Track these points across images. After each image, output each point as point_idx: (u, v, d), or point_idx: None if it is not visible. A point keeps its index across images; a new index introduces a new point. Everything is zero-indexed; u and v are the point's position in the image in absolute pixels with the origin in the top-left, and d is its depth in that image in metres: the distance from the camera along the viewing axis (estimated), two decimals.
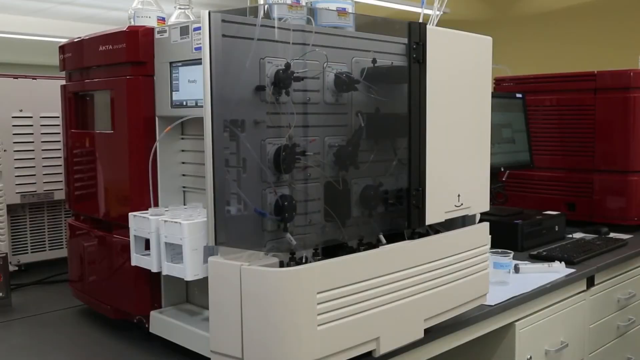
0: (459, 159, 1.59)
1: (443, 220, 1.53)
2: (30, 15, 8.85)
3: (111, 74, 1.56)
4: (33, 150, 2.14)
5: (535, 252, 2.31)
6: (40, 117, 2.15)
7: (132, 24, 1.68)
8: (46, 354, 1.51)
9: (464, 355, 1.90)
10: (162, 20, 1.72)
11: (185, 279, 1.36)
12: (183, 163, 1.56)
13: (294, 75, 1.28)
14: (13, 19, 8.70)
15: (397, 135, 1.54)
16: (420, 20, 1.54)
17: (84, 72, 1.69)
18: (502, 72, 3.18)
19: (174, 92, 1.47)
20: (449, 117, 1.54)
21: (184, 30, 1.42)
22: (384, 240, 1.48)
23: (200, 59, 1.36)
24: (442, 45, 1.49)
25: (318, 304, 1.24)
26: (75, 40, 1.69)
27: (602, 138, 2.78)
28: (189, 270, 1.34)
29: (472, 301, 1.62)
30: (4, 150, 2.08)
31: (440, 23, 1.60)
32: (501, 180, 2.69)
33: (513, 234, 2.37)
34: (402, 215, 1.49)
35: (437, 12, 1.62)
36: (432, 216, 1.48)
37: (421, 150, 1.46)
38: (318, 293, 1.24)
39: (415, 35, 1.44)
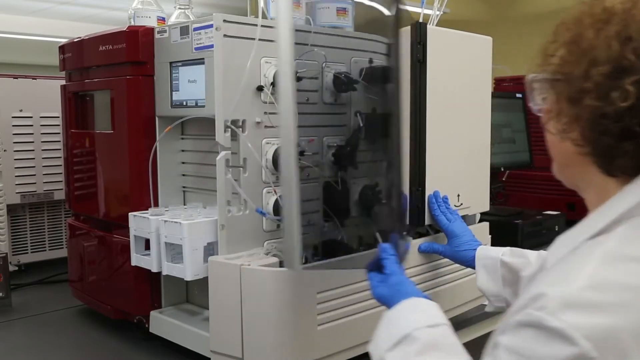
0: (459, 159, 1.59)
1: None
2: (30, 15, 8.84)
3: (111, 74, 1.56)
4: (33, 150, 2.14)
5: None
6: (40, 117, 2.15)
7: (132, 24, 1.68)
8: (46, 354, 1.51)
9: None
10: (162, 20, 1.72)
11: (185, 279, 1.36)
12: (183, 163, 1.56)
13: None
14: (13, 19, 8.69)
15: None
16: (420, 20, 1.54)
17: (84, 72, 1.69)
18: (502, 72, 3.17)
19: (174, 92, 1.47)
20: (449, 117, 1.54)
21: (184, 30, 1.42)
22: None
23: (200, 59, 1.37)
24: (442, 45, 1.49)
25: (318, 304, 1.24)
26: (75, 40, 1.69)
27: None
28: (189, 270, 1.34)
29: (472, 301, 1.62)
30: (4, 150, 2.08)
31: (440, 23, 1.60)
32: (501, 180, 2.69)
33: (513, 234, 2.37)
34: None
35: (437, 12, 1.62)
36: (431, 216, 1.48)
37: (421, 150, 1.46)
38: (318, 293, 1.24)
39: (415, 35, 1.44)
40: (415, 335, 0.93)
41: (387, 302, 1.05)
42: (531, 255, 1.31)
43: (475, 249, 1.37)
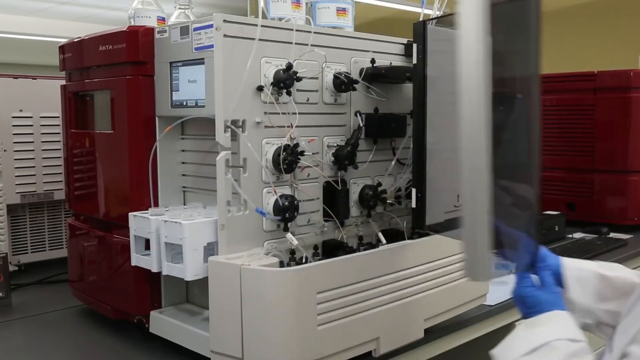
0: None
1: (443, 220, 1.53)
2: (30, 15, 8.85)
3: (111, 74, 1.56)
4: (33, 150, 2.14)
5: None
6: (40, 117, 2.15)
7: (132, 24, 1.68)
8: (46, 354, 1.51)
9: (464, 355, 1.90)
10: (162, 20, 1.72)
11: (185, 279, 1.36)
12: (183, 163, 1.56)
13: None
14: (13, 19, 8.70)
15: (397, 135, 1.54)
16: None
17: (84, 72, 1.69)
18: None
19: (174, 92, 1.47)
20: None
21: (184, 30, 1.42)
22: (383, 240, 1.48)
23: (200, 59, 1.36)
24: (442, 44, 1.49)
25: (318, 304, 1.24)
26: (75, 40, 1.69)
27: (601, 138, 2.77)
28: (189, 270, 1.34)
29: (472, 301, 1.62)
30: (4, 150, 2.08)
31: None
32: None
33: None
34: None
35: (437, 12, 1.62)
36: (432, 216, 1.48)
37: (421, 149, 1.46)
38: (318, 293, 1.24)
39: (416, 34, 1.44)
40: (555, 345, 0.95)
41: (531, 305, 1.06)
42: (623, 268, 1.23)
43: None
